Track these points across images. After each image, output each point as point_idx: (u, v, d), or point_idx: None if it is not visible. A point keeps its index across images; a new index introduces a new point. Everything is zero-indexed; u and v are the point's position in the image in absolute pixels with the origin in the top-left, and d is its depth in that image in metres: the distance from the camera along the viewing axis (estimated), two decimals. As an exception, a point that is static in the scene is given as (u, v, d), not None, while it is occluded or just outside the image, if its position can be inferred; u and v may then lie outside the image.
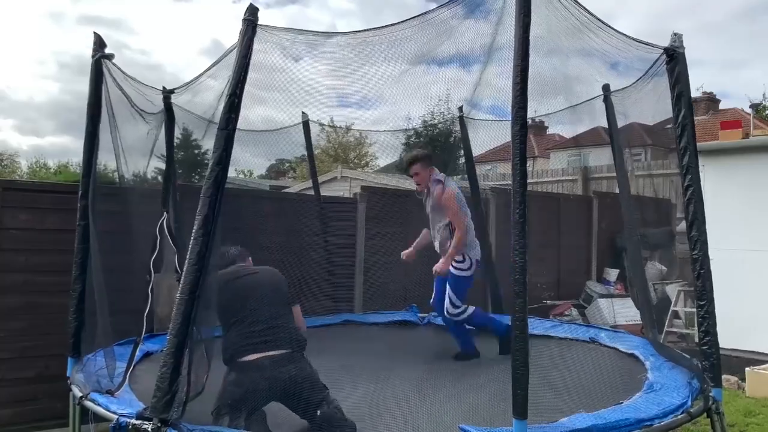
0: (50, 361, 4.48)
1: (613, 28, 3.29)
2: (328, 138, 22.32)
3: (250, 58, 2.85)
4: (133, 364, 3.64)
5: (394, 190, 8.53)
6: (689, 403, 3.14)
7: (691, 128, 3.47)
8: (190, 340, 2.65)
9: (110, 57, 3.95)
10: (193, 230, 2.70)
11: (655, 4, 65.47)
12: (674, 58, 3.53)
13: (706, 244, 3.45)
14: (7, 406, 4.53)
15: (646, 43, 3.53)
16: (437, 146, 7.97)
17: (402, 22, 3.12)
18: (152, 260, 3.81)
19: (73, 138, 61.93)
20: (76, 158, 34.01)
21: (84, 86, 3.89)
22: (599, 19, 3.15)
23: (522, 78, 2.58)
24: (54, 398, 4.39)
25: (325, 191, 7.97)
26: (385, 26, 3.18)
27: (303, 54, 3.49)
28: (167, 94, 4.35)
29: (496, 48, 3.55)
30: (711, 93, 27.40)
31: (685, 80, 3.51)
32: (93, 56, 3.92)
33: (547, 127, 23.57)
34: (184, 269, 2.66)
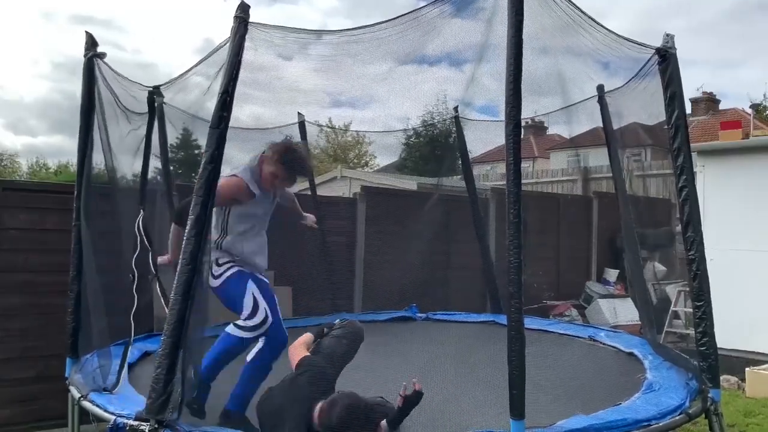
0: (50, 361, 4.49)
1: (606, 27, 3.28)
2: (327, 138, 22.30)
3: (241, 56, 2.83)
4: (125, 365, 3.62)
5: (394, 190, 8.55)
6: (687, 403, 3.13)
7: (684, 129, 3.44)
8: (184, 341, 2.64)
9: (102, 56, 3.91)
10: (186, 230, 2.69)
11: (646, 3, 65.24)
12: (666, 58, 3.50)
13: (702, 244, 3.42)
14: (7, 406, 4.54)
15: (639, 43, 3.51)
16: (436, 146, 7.99)
17: (394, 18, 3.09)
18: (134, 260, 3.79)
19: (66, 137, 61.25)
20: (74, 158, 33.88)
21: (75, 86, 3.88)
22: (592, 18, 3.13)
23: (515, 77, 2.57)
24: (54, 398, 4.38)
25: (325, 191, 8.00)
26: (379, 23, 3.16)
27: (294, 53, 3.47)
28: (153, 91, 4.30)
29: (488, 47, 3.53)
30: (711, 93, 27.33)
31: (677, 81, 3.48)
32: (85, 55, 3.88)
33: (546, 128, 23.45)
34: (178, 270, 2.65)
